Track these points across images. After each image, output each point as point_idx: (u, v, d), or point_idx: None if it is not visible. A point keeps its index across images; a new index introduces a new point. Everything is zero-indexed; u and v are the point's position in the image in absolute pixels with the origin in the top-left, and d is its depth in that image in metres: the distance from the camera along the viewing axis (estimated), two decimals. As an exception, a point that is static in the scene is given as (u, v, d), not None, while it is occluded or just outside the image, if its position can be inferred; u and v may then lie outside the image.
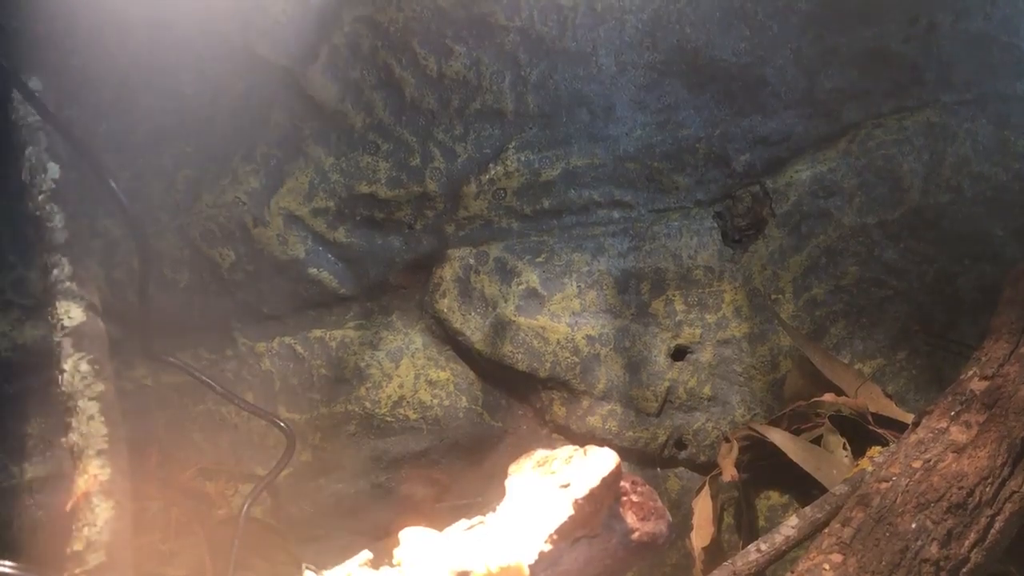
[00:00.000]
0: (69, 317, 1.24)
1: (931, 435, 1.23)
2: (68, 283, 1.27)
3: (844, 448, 1.43)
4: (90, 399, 1.16)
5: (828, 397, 1.48)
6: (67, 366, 1.19)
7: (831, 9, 1.52)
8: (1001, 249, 1.55)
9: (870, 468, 1.37)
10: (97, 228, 1.50)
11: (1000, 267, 1.53)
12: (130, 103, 1.52)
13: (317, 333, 1.55)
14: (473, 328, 1.54)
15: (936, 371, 1.54)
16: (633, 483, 1.02)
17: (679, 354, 1.55)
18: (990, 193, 1.55)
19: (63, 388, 1.18)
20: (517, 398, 1.58)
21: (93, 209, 1.49)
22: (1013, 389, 1.25)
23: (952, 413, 1.25)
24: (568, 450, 1.01)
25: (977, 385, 1.28)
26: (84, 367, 1.19)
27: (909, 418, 1.42)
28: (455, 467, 1.56)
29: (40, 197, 1.35)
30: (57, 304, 1.25)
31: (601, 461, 0.94)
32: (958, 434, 1.22)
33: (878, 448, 1.42)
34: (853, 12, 1.52)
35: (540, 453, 1.05)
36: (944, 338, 1.54)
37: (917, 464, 1.20)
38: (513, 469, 1.04)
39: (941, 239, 1.55)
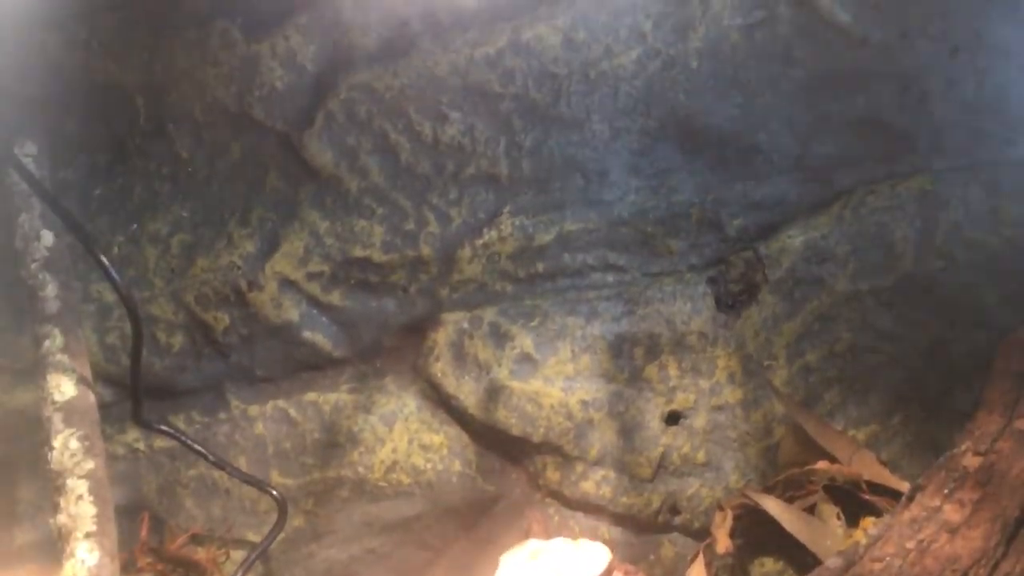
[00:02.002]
0: (60, 391, 1.24)
1: (925, 513, 1.23)
2: (59, 355, 1.27)
3: (838, 518, 1.43)
4: (79, 477, 1.16)
5: (822, 465, 1.48)
6: (56, 443, 1.19)
7: (823, 77, 1.53)
8: (994, 315, 1.54)
9: (864, 540, 1.37)
10: (90, 293, 1.50)
11: (993, 333, 1.52)
12: (126, 167, 1.53)
13: (311, 396, 1.55)
14: (467, 392, 1.53)
15: (930, 437, 1.54)
16: (626, 573, 1.01)
17: (673, 419, 1.54)
18: (982, 260, 1.55)
19: (52, 466, 1.18)
20: (511, 462, 1.57)
21: (86, 273, 1.50)
22: (1007, 466, 1.25)
23: (946, 491, 1.24)
24: (561, 543, 1.00)
25: (971, 461, 1.28)
26: (74, 444, 1.19)
27: (904, 486, 1.42)
28: (448, 532, 1.55)
29: (33, 265, 1.36)
30: (48, 377, 1.25)
31: (593, 558, 0.94)
32: (952, 513, 1.21)
33: (872, 519, 1.42)
34: (845, 80, 1.53)
35: (533, 544, 1.05)
36: (937, 404, 1.54)
37: (911, 544, 1.19)
38: (505, 559, 1.04)
39: (934, 305, 1.55)
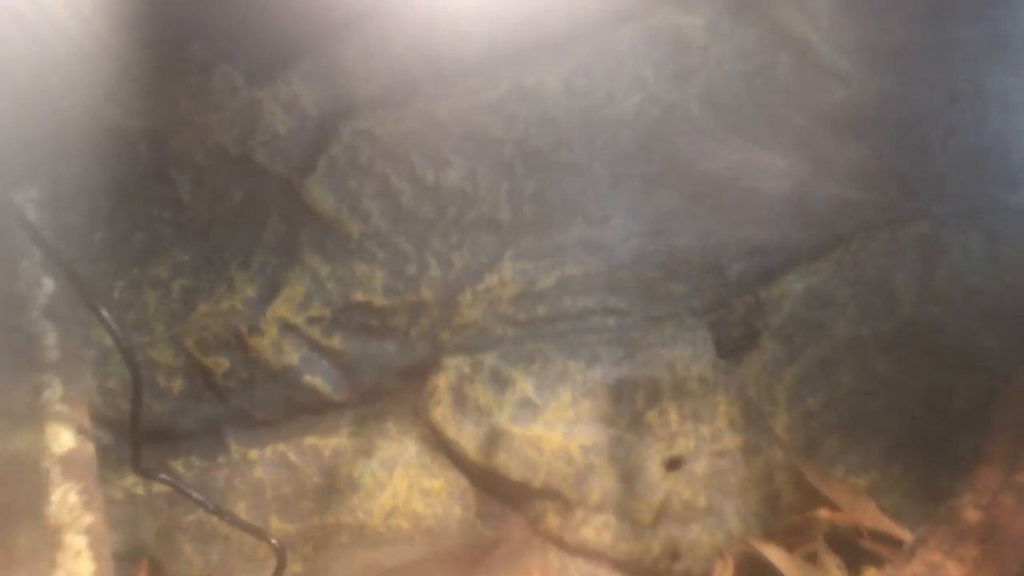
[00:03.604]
0: (59, 442, 1.24)
1: (926, 570, 1.23)
2: (59, 405, 1.27)
3: (839, 568, 1.42)
4: (78, 533, 1.16)
5: (823, 512, 1.48)
6: (55, 497, 1.19)
7: (823, 123, 1.53)
8: (994, 361, 1.55)
9: (866, 591, 1.37)
10: (91, 337, 1.50)
11: (993, 378, 1.53)
12: (127, 210, 1.53)
13: (311, 440, 1.55)
14: (467, 437, 1.53)
15: (931, 484, 1.53)
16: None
17: (674, 465, 1.54)
18: (983, 305, 1.55)
19: (50, 521, 1.17)
20: (511, 507, 1.56)
21: (86, 317, 1.50)
22: (1008, 521, 1.25)
23: (947, 546, 1.24)
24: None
25: (972, 515, 1.28)
26: (72, 498, 1.18)
27: (905, 534, 1.42)
28: (448, 577, 1.55)
29: (34, 313, 1.35)
30: (47, 428, 1.25)
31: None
32: (953, 570, 1.21)
33: (873, 568, 1.41)
34: (845, 126, 1.53)
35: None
36: (938, 451, 1.53)
37: (913, 601, 1.19)
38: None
39: (934, 351, 1.55)
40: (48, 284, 1.37)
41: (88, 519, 1.17)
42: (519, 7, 1.52)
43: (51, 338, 1.32)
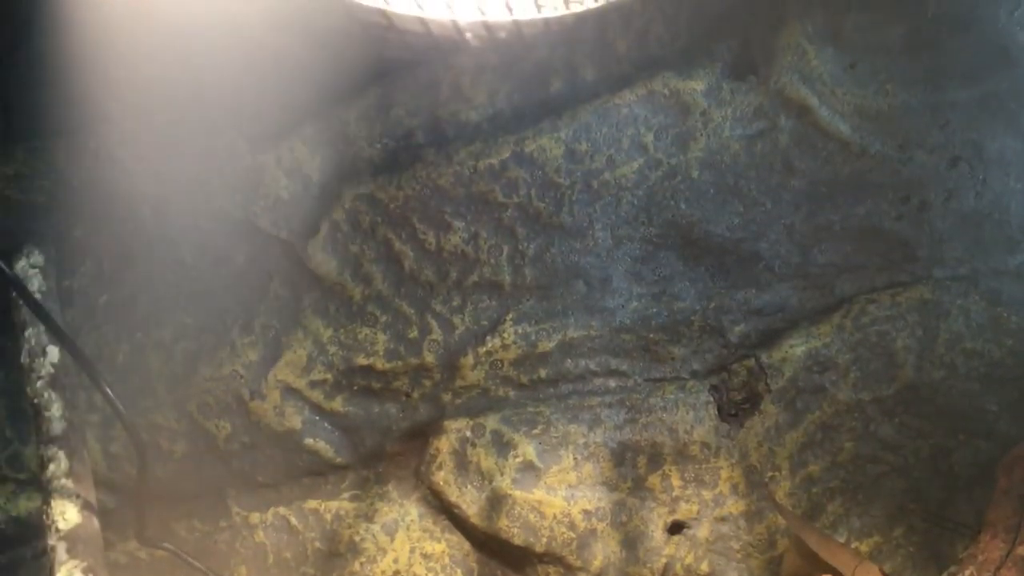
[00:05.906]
0: (64, 519, 1.24)
1: (929, 647, 1.23)
2: (64, 480, 1.28)
3: (842, 636, 1.42)
4: (82, 614, 1.16)
5: (826, 578, 1.48)
6: (60, 575, 1.19)
7: (824, 187, 1.54)
8: (995, 425, 1.55)
9: (869, 661, 1.36)
10: (94, 402, 1.50)
11: (995, 443, 1.53)
12: (131, 274, 1.54)
13: (312, 504, 1.55)
14: (469, 501, 1.53)
15: (933, 548, 1.53)
16: None
17: (676, 529, 1.54)
18: (983, 369, 1.55)
19: (55, 601, 1.18)
20: (513, 570, 1.56)
21: (91, 384, 1.50)
22: (1011, 597, 1.25)
23: (950, 623, 1.24)
24: None
25: (974, 590, 1.28)
26: (77, 577, 1.19)
27: (907, 600, 1.42)
28: (449, 641, 1.55)
29: (39, 383, 1.36)
30: (53, 503, 1.25)
31: None
32: (956, 648, 1.21)
33: (876, 638, 1.41)
34: (845, 190, 1.54)
35: None
36: (940, 516, 1.53)
37: None
38: None
39: (936, 415, 1.55)
40: (53, 353, 1.38)
41: (92, 599, 1.18)
42: (520, 73, 1.53)
43: (55, 409, 1.33)
